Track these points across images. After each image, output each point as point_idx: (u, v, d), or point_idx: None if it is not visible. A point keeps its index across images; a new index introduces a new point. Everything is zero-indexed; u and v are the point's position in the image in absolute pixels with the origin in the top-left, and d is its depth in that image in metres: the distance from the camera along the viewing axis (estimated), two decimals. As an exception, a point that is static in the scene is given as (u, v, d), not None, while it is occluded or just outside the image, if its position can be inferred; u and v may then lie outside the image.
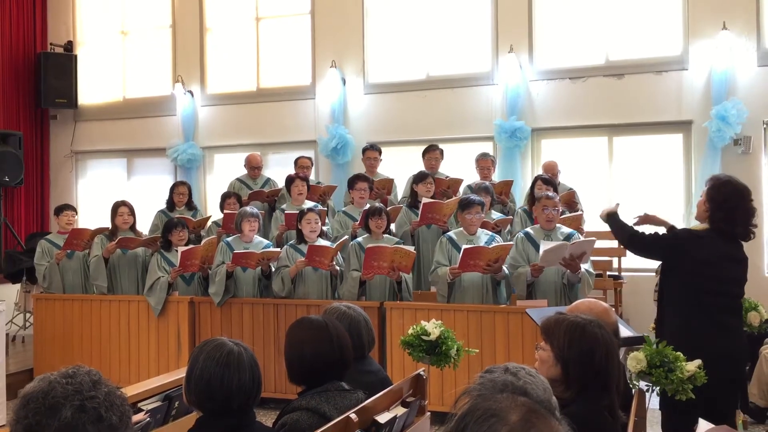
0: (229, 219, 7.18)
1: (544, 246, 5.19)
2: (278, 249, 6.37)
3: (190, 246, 6.52)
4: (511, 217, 6.80)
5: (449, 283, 5.63)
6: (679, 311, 3.72)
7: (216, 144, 9.98)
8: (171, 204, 7.95)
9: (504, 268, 5.51)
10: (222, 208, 7.56)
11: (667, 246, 3.85)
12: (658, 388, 3.07)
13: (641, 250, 3.95)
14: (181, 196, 7.94)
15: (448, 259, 5.70)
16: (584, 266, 5.35)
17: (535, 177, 6.82)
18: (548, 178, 6.63)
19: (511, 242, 5.62)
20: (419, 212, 6.47)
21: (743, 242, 3.82)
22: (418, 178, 6.85)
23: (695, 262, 3.70)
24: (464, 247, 5.47)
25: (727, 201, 3.70)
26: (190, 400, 2.41)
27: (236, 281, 6.41)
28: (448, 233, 5.92)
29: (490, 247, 5.46)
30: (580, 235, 5.68)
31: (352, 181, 7.06)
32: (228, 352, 2.37)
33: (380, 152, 7.95)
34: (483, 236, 5.77)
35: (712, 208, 3.75)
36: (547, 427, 1.25)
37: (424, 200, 6.49)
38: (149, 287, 6.55)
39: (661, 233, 4.06)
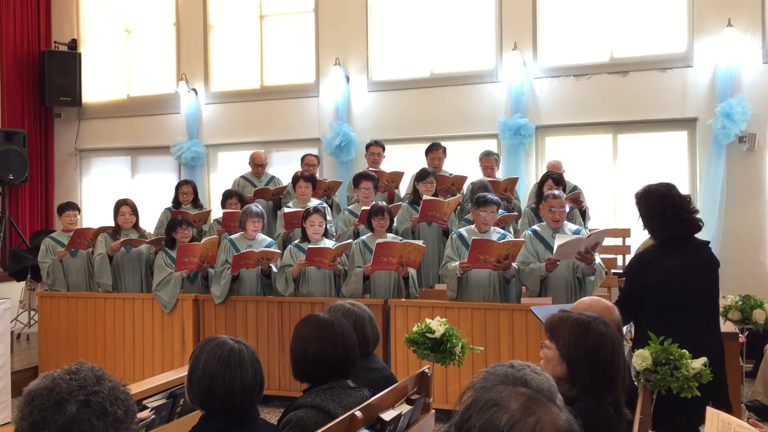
0: (229, 217, 7.18)
1: (559, 240, 5.17)
2: (278, 251, 6.34)
3: (191, 243, 6.51)
4: (515, 213, 6.77)
5: (458, 278, 5.61)
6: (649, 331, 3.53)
7: (220, 142, 9.99)
8: (177, 203, 7.97)
9: (513, 265, 5.48)
10: (223, 206, 7.55)
11: (629, 294, 3.78)
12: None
13: (627, 312, 3.80)
14: (186, 195, 7.94)
15: (458, 256, 5.69)
16: (597, 259, 5.35)
17: (545, 175, 6.77)
18: (558, 177, 6.58)
19: (522, 239, 5.60)
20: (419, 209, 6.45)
21: (702, 243, 3.76)
22: (420, 177, 6.85)
23: (651, 287, 3.66)
24: (473, 238, 5.46)
25: (651, 210, 3.74)
26: (193, 400, 2.41)
27: (239, 276, 6.39)
28: (459, 230, 5.89)
29: (500, 242, 5.43)
30: (586, 231, 5.69)
31: (357, 180, 7.04)
32: (229, 351, 2.36)
33: (384, 148, 7.95)
34: (494, 234, 5.74)
35: (645, 223, 3.82)
36: (547, 413, 1.28)
37: (425, 197, 6.49)
38: (159, 283, 6.53)
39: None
